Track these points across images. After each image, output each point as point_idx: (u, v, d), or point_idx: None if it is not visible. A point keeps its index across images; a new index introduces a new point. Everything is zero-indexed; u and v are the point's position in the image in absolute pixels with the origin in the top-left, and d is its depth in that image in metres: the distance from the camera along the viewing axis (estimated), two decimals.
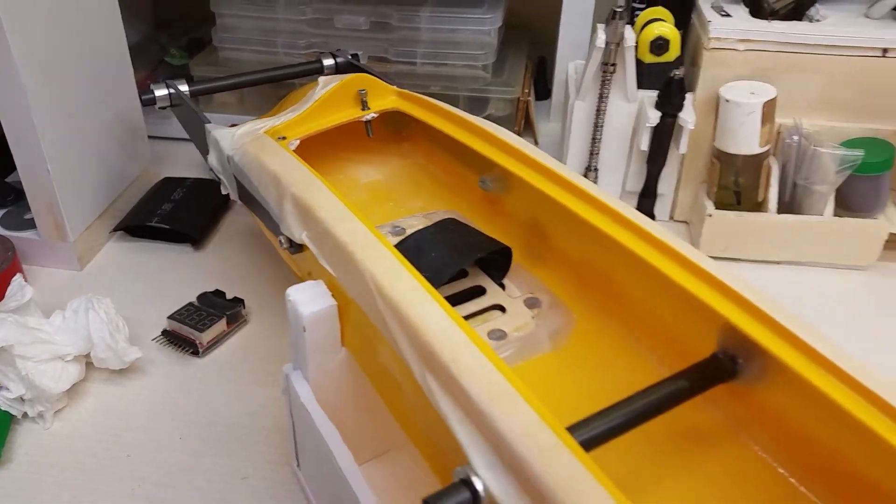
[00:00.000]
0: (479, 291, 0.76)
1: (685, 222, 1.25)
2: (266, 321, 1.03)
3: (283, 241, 0.73)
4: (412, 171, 0.98)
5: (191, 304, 1.01)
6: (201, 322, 0.97)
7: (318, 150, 0.94)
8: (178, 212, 1.19)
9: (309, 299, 0.67)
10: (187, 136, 1.11)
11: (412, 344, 0.55)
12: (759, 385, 0.58)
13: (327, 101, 0.89)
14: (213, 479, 0.83)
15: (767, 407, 0.59)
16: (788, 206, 1.14)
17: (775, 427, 0.59)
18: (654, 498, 0.58)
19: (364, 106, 0.90)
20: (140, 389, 0.93)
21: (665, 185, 1.21)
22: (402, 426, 0.66)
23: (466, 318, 0.73)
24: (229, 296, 1.03)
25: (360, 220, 0.65)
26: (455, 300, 0.75)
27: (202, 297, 1.02)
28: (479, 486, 0.47)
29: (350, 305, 0.68)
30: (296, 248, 0.72)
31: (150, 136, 1.39)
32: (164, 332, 0.99)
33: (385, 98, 0.92)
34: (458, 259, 0.72)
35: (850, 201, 1.13)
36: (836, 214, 1.12)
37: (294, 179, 0.72)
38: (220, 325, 0.98)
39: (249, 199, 0.84)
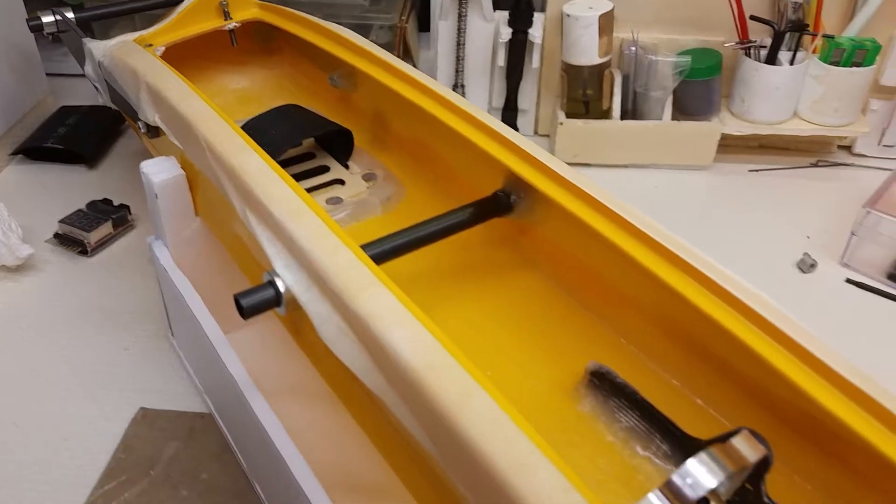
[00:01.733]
0: (324, 169, 0.87)
1: (547, 136, 1.37)
2: (152, 227, 1.12)
3: (141, 126, 0.83)
4: (278, 79, 1.07)
5: (80, 210, 1.09)
6: (89, 224, 1.06)
7: (190, 61, 1.03)
8: (72, 134, 1.27)
9: (159, 170, 0.77)
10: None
11: (235, 187, 0.65)
12: (534, 217, 0.70)
13: (191, 12, 0.98)
14: (98, 351, 0.92)
15: (546, 240, 0.71)
16: (631, 113, 1.26)
17: (553, 256, 0.71)
18: (456, 315, 0.69)
19: (227, 16, 0.99)
20: (34, 285, 1.02)
21: (526, 100, 1.33)
22: (240, 267, 0.76)
23: (310, 190, 0.84)
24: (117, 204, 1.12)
25: (202, 98, 0.74)
26: (301, 176, 0.85)
27: (91, 204, 1.11)
28: (279, 283, 0.58)
29: (199, 178, 0.78)
30: (153, 131, 0.82)
31: (51, 74, 1.47)
32: (56, 235, 1.08)
33: (247, 9, 1.01)
34: (296, 135, 0.82)
35: (686, 106, 1.26)
36: (674, 119, 1.25)
37: (148, 71, 0.81)
38: (107, 227, 1.07)
39: (118, 99, 0.93)
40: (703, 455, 0.44)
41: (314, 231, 0.58)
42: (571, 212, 0.64)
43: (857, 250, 1.08)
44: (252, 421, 0.67)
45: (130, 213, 1.11)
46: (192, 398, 0.85)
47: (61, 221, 1.07)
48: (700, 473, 0.43)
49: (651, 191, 1.24)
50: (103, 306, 0.99)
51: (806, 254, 1.08)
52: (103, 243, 1.08)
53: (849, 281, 1.06)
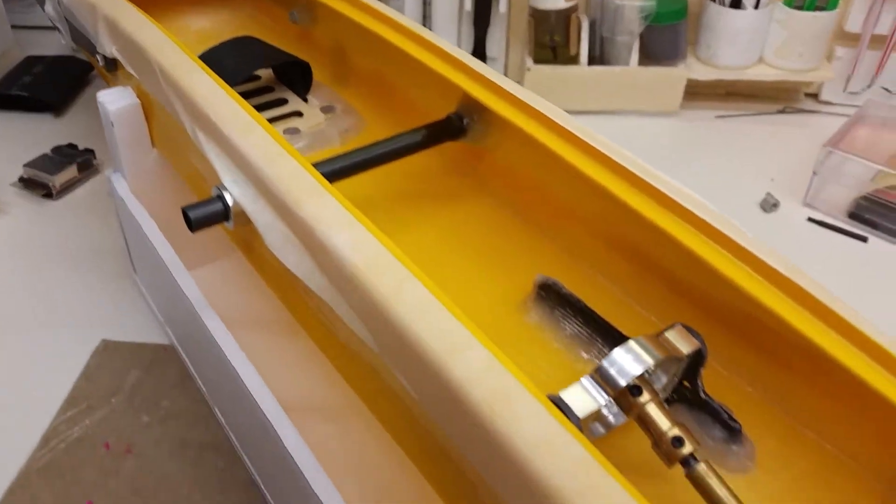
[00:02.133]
0: (283, 102, 0.87)
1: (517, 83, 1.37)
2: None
3: (99, 59, 0.82)
4: (240, 20, 1.07)
5: (45, 154, 1.09)
6: (54, 167, 1.06)
7: (150, 1, 1.02)
8: (38, 83, 1.26)
9: (115, 99, 0.77)
10: (52, 25, 1.16)
11: (185, 107, 0.65)
12: (487, 141, 0.71)
13: None
14: (64, 292, 0.92)
15: (497, 162, 0.72)
16: (599, 58, 1.27)
17: (503, 177, 0.72)
18: (409, 240, 0.70)
19: None
20: None
21: (495, 48, 1.33)
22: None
23: (270, 121, 0.84)
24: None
25: (157, 27, 0.74)
26: (259, 109, 0.85)
27: (56, 149, 1.11)
28: (227, 196, 0.59)
29: (155, 108, 0.77)
30: (110, 64, 0.81)
31: (15, 26, 1.46)
32: (21, 179, 1.07)
33: None
34: (252, 65, 0.82)
35: (653, 51, 1.26)
36: (641, 65, 1.26)
37: (105, 3, 0.81)
38: (72, 171, 1.07)
39: (78, 36, 0.92)
40: (631, 343, 0.45)
41: (261, 143, 0.58)
42: (520, 127, 0.65)
43: (819, 191, 1.10)
44: (210, 343, 0.68)
45: (95, 158, 1.11)
46: (154, 331, 0.86)
47: (26, 165, 1.07)
48: (626, 360, 0.44)
49: (618, 137, 1.24)
50: (68, 248, 0.99)
51: (768, 193, 1.09)
52: (68, 187, 1.07)
53: (810, 220, 1.08)
